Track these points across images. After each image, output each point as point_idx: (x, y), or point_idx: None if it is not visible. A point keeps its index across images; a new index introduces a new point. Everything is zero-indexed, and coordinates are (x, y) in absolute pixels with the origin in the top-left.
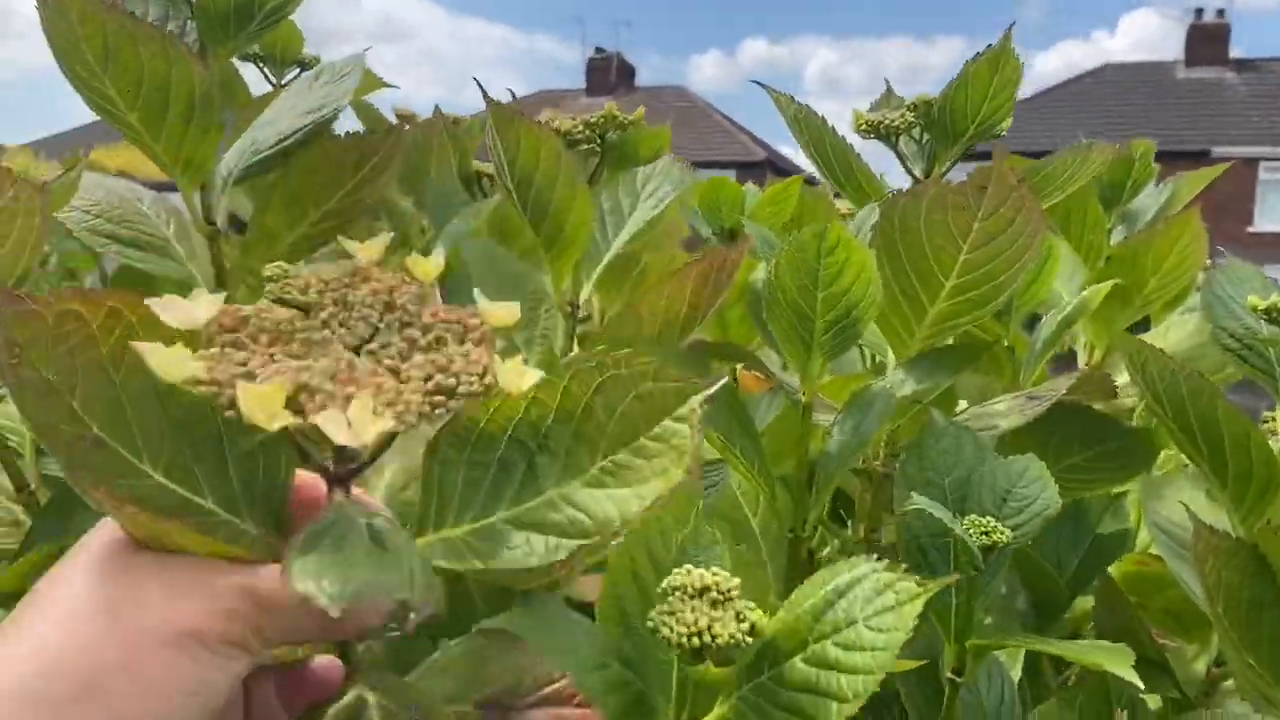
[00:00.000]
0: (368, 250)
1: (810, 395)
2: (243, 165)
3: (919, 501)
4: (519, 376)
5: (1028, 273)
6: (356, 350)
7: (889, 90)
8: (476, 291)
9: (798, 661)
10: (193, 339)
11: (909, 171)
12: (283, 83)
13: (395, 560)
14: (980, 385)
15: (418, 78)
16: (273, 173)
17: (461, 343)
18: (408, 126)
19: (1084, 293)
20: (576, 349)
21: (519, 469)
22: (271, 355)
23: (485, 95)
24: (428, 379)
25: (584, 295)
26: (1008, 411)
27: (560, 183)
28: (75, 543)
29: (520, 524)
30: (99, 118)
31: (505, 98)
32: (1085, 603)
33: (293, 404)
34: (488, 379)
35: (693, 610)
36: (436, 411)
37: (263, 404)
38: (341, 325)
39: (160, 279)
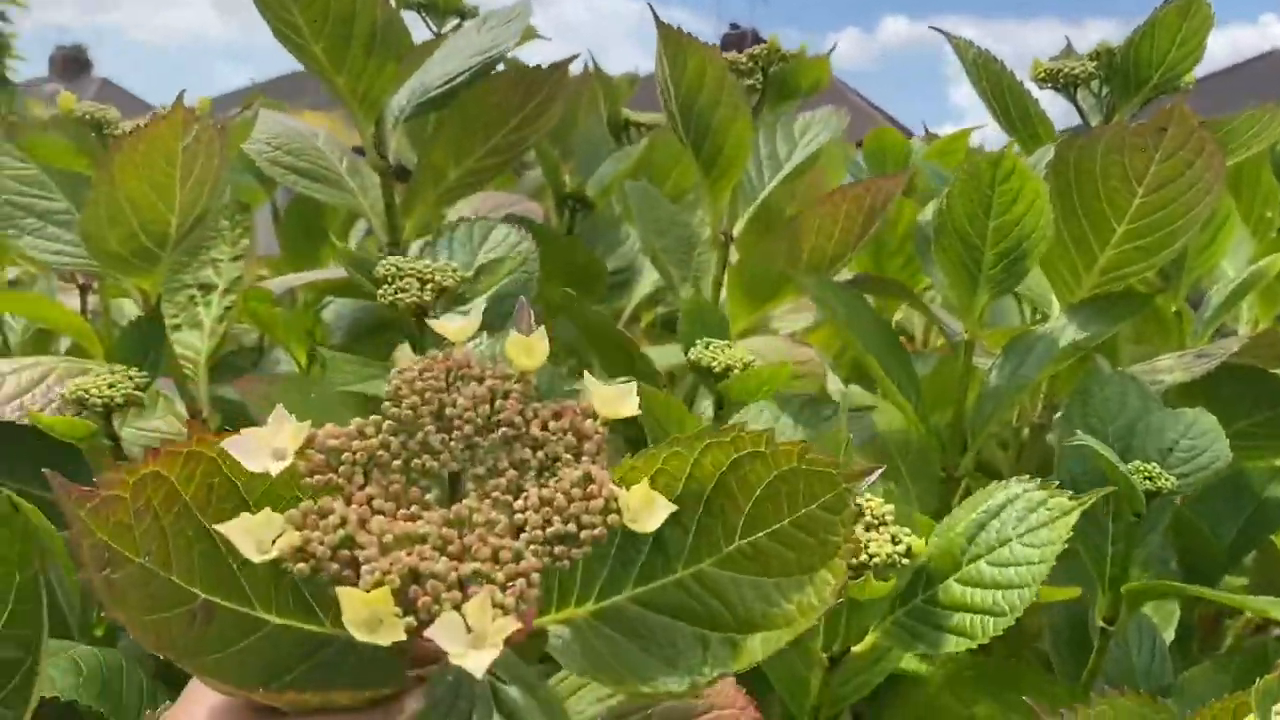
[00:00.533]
0: (460, 331)
1: (973, 332)
2: (413, 103)
3: (1083, 439)
4: (647, 510)
5: (1200, 237)
6: (460, 479)
7: (1069, 46)
8: (587, 378)
9: (952, 582)
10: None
11: (1086, 124)
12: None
13: None
14: (1145, 355)
15: (553, 49)
16: (441, 111)
17: (577, 457)
18: None
19: (1260, 263)
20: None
21: (645, 543)
22: (370, 502)
23: (656, 18)
24: (546, 525)
25: (737, 229)
26: (1173, 368)
27: (723, 104)
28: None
29: (651, 606)
30: (246, 85)
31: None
32: (1236, 582)
33: (401, 597)
34: (611, 518)
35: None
36: (558, 564)
37: (370, 609)
38: (442, 450)
39: (329, 208)
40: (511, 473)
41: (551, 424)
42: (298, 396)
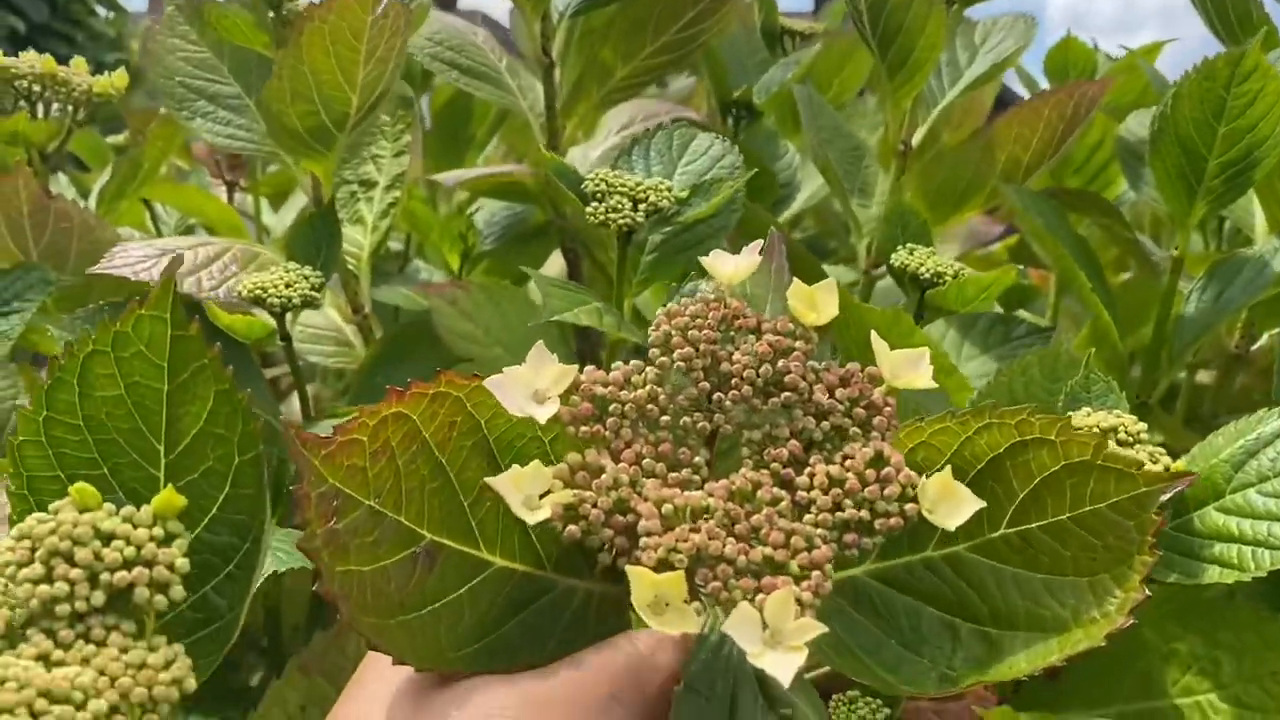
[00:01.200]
0: (734, 272)
1: (1184, 248)
2: None
3: None
4: (948, 502)
5: None
6: (713, 440)
7: None
8: (875, 340)
9: (1212, 510)
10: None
11: None
12: None
13: None
14: None
15: None
16: (610, 6)
17: (864, 430)
18: None
19: None
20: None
21: None
22: (640, 461)
23: None
24: (835, 508)
25: (917, 137)
26: None
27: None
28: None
29: (894, 584)
30: None
31: None
32: None
33: (690, 581)
34: (909, 506)
35: None
36: (847, 553)
37: (659, 591)
38: (716, 409)
39: (478, 114)
40: (794, 443)
41: (838, 391)
42: (490, 306)
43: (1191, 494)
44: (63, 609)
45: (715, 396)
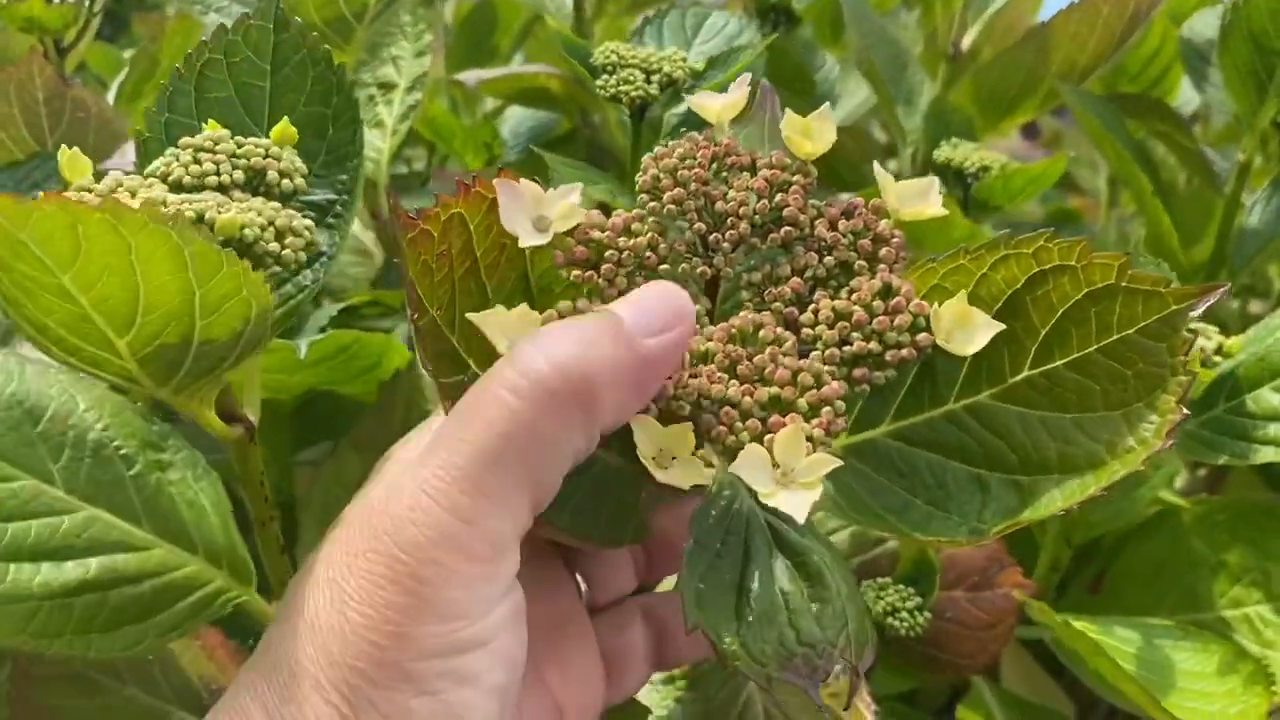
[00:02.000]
0: (723, 108)
1: (1251, 151)
2: None
3: None
4: (964, 328)
5: None
6: (716, 283)
7: None
8: (878, 170)
9: (1267, 390)
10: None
11: None
12: None
13: (829, 610)
14: None
15: None
16: None
17: (871, 264)
18: None
19: None
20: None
21: (909, 370)
22: None
23: None
24: (843, 343)
25: (967, 40)
26: None
27: None
28: None
29: (915, 441)
30: None
31: None
32: None
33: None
34: (921, 336)
35: None
36: (858, 389)
37: (665, 443)
38: (713, 250)
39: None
40: (795, 280)
41: (841, 224)
42: None
43: (1245, 375)
44: (211, 180)
45: (712, 238)
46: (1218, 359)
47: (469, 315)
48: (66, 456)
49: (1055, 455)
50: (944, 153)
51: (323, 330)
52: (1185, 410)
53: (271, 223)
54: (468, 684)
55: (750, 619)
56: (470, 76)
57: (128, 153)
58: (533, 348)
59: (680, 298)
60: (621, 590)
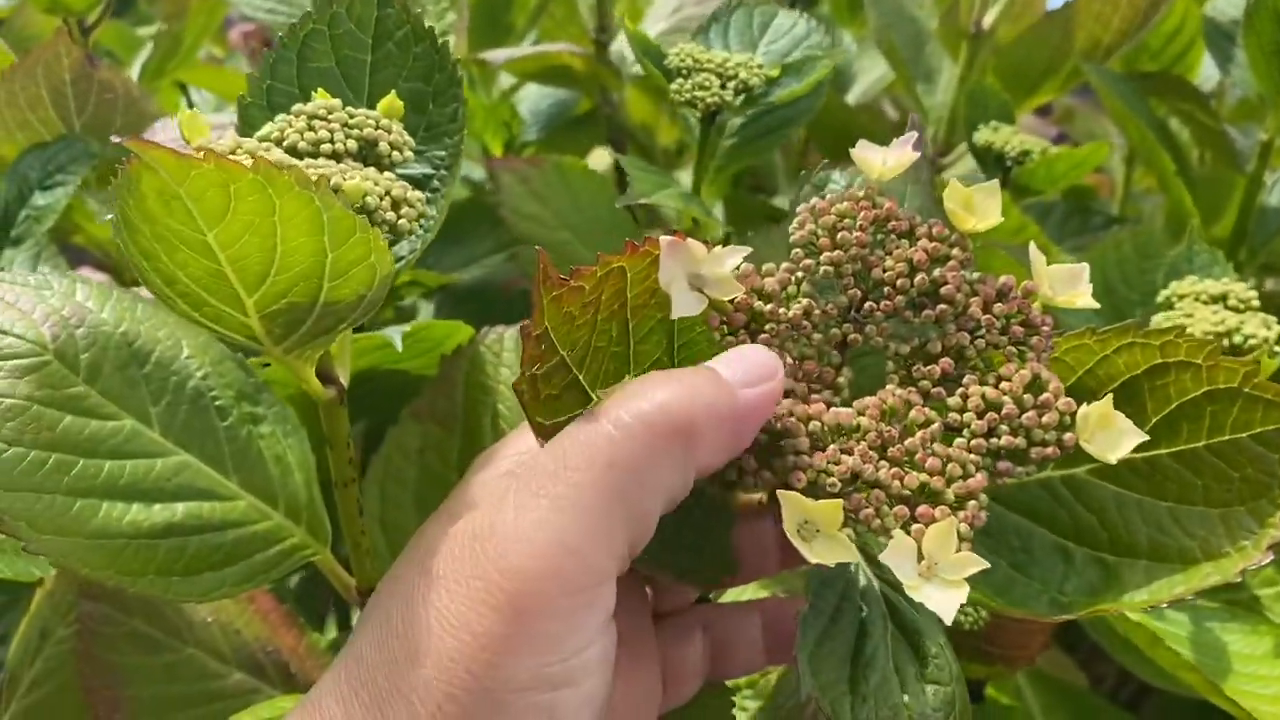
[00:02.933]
0: (884, 167)
1: (1275, 131)
2: None
3: None
4: (1108, 433)
5: None
6: (845, 348)
7: None
8: (1033, 252)
9: None
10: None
11: None
12: None
13: (941, 692)
14: None
15: None
16: None
17: (1019, 350)
18: None
19: None
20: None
21: None
22: (790, 367)
23: None
24: (990, 434)
25: (989, 19)
26: None
27: None
28: None
29: (1004, 502)
30: None
31: None
32: None
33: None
34: (1066, 436)
35: (1215, 313)
36: (998, 481)
37: (810, 517)
38: (866, 319)
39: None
40: (946, 361)
41: (996, 306)
42: (561, 187)
43: None
44: (325, 148)
45: (866, 306)
46: (1278, 349)
47: (600, 391)
48: (166, 401)
49: (1146, 541)
50: (984, 136)
51: None
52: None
53: (388, 192)
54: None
55: (865, 694)
56: (496, 55)
57: (158, 133)
58: (637, 388)
59: (772, 357)
60: (685, 599)
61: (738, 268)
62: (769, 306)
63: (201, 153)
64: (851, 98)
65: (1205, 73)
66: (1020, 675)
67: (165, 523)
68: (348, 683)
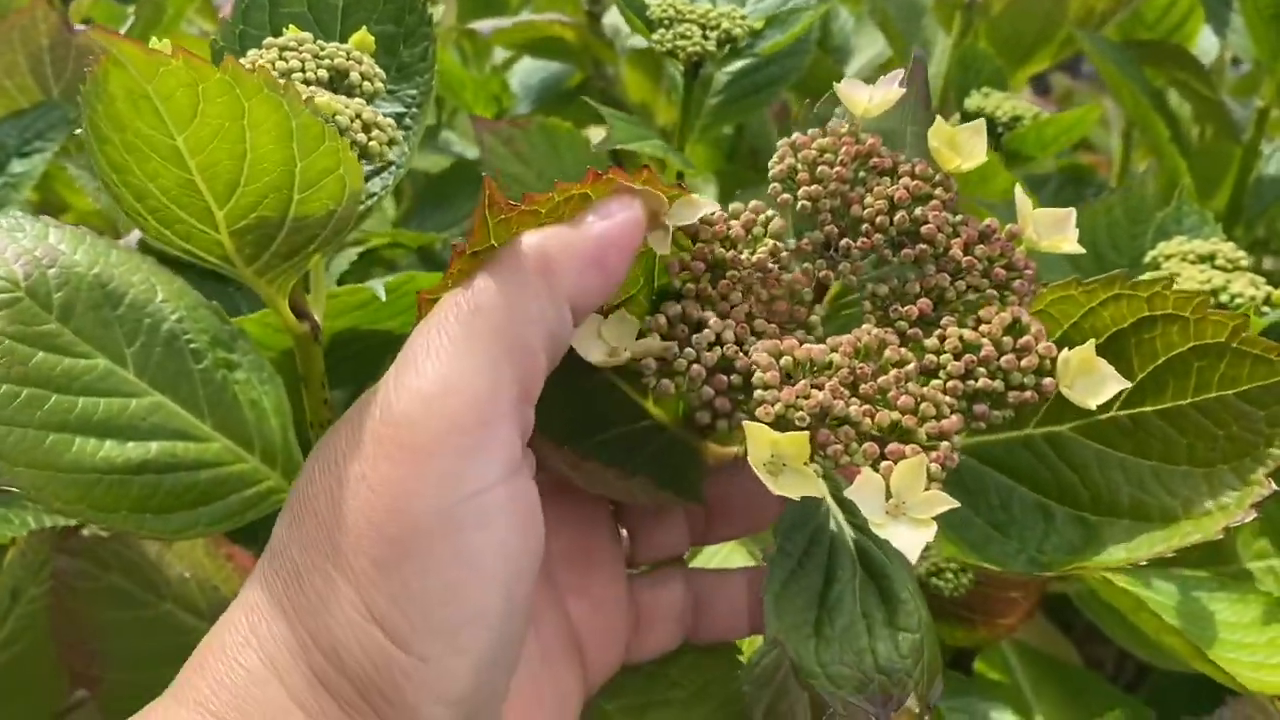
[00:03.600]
0: (869, 103)
1: (1271, 99)
2: None
3: None
4: (1088, 377)
5: None
6: (873, 304)
7: None
8: (1019, 196)
9: None
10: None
11: None
12: None
13: (909, 638)
14: None
15: None
16: None
17: (1000, 292)
18: None
19: None
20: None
21: None
22: (751, 321)
23: None
24: (967, 375)
25: None
26: None
27: None
28: None
29: (985, 459)
30: None
31: None
32: None
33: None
34: (1045, 381)
35: (1202, 272)
36: (974, 425)
37: (777, 450)
38: (841, 257)
39: None
40: (924, 301)
41: (977, 248)
42: (546, 148)
43: None
44: (296, 77)
45: (843, 243)
46: (1266, 309)
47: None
48: (140, 343)
49: (1127, 500)
50: (975, 101)
51: (345, 272)
52: (1274, 485)
53: (359, 115)
54: (465, 565)
55: (830, 637)
56: (484, 25)
57: None
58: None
59: (630, 194)
60: (673, 549)
61: (711, 215)
62: (730, 253)
63: (170, 50)
64: (849, 72)
65: (1203, 46)
66: (1010, 650)
67: (139, 460)
68: (271, 568)
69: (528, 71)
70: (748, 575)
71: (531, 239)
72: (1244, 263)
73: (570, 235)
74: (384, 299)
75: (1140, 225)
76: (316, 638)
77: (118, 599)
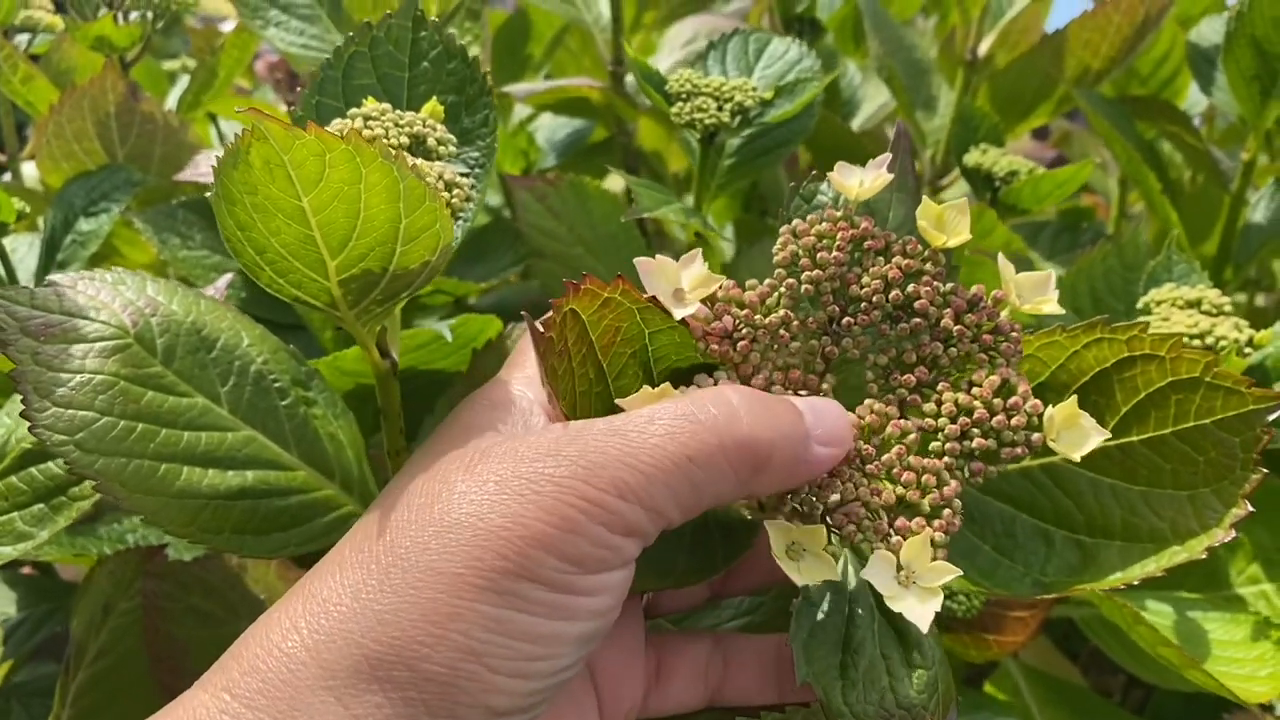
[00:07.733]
0: (860, 188)
1: (1255, 151)
2: None
3: None
4: (1072, 431)
5: None
6: (874, 374)
7: None
8: (1002, 263)
9: None
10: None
11: None
12: None
13: (925, 676)
14: None
15: None
16: None
17: (989, 356)
18: None
19: None
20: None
21: None
22: (769, 388)
23: None
24: (963, 437)
25: (984, 47)
26: None
27: None
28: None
29: (987, 491)
30: None
31: None
32: None
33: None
34: (1034, 436)
35: (1189, 316)
36: (971, 482)
37: (796, 539)
38: (844, 333)
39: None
40: (921, 370)
41: (967, 317)
42: (576, 204)
43: (1273, 366)
44: (380, 143)
45: (845, 321)
46: (1249, 350)
47: (619, 400)
48: (232, 383)
49: (1119, 522)
50: (973, 158)
51: None
52: (1250, 507)
53: (441, 175)
54: (563, 619)
55: (854, 679)
56: (519, 90)
57: (200, 164)
58: (734, 395)
59: (848, 425)
60: (692, 599)
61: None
62: (745, 311)
63: (305, 125)
64: (856, 123)
65: (1193, 97)
66: (1018, 672)
67: (239, 487)
68: (352, 549)
69: (551, 128)
70: (779, 640)
71: (767, 431)
72: (1228, 308)
73: (795, 452)
74: (450, 340)
75: (1135, 273)
76: (387, 634)
77: (200, 618)
